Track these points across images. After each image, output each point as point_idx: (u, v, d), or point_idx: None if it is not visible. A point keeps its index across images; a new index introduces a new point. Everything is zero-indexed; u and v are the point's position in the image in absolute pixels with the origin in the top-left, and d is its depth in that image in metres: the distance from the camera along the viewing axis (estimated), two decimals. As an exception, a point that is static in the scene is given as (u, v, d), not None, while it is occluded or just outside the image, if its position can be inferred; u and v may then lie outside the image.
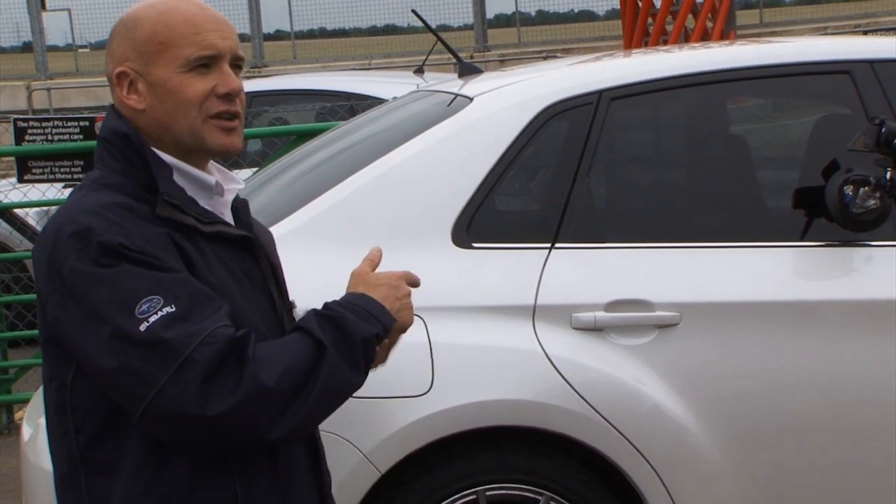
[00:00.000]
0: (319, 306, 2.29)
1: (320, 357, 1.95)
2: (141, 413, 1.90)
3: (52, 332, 1.99)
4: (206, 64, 2.03)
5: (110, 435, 1.97)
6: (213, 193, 2.09)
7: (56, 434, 2.05)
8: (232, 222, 2.12)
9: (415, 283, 2.17)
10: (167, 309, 1.89)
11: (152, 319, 1.88)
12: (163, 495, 1.97)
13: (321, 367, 1.95)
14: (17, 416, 6.55)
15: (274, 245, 2.24)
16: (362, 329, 2.01)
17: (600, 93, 3.37)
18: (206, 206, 2.07)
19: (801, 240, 3.32)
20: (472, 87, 3.62)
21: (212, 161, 2.13)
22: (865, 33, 14.77)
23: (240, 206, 2.16)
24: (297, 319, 2.16)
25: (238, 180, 2.17)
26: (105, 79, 2.14)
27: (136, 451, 1.96)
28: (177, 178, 2.05)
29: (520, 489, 3.16)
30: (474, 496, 3.15)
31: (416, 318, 3.01)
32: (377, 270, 2.17)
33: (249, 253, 2.11)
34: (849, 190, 3.19)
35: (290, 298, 2.24)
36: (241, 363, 1.90)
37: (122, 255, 1.91)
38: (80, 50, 22.62)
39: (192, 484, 1.98)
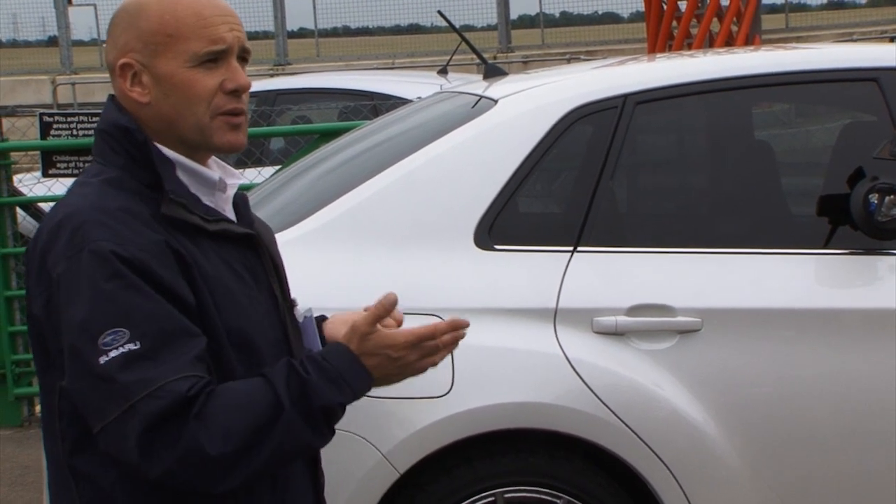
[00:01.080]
0: (340, 306, 2.26)
1: (277, 417, 1.86)
2: (96, 435, 1.87)
3: (38, 330, 1.94)
4: (213, 59, 1.95)
5: (95, 444, 1.91)
6: (216, 190, 2.02)
7: (48, 435, 2.00)
8: (234, 218, 2.05)
9: (431, 335, 1.97)
10: (129, 346, 1.82)
11: (112, 354, 1.81)
12: None
13: (276, 428, 1.86)
14: (38, 408, 6.59)
15: (275, 241, 2.17)
16: (325, 397, 1.88)
17: (625, 97, 3.36)
18: (209, 203, 2.01)
19: (825, 247, 3.31)
20: (496, 89, 3.62)
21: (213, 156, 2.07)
22: (892, 40, 14.69)
23: (240, 202, 2.09)
24: (298, 319, 2.12)
25: (238, 174, 2.10)
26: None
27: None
28: (180, 174, 1.98)
29: (538, 492, 3.16)
30: (492, 498, 3.15)
31: (437, 319, 3.05)
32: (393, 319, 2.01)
33: (253, 250, 2.04)
34: (874, 198, 3.18)
35: (292, 296, 2.17)
36: (183, 424, 1.82)
37: (111, 266, 1.84)
38: (104, 45, 22.65)
39: (185, 495, 1.91)
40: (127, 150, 1.97)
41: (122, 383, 1.81)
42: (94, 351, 1.82)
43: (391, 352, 1.94)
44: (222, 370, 1.92)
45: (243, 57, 2.01)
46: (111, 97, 2.04)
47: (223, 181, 2.03)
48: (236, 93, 1.97)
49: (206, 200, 2.00)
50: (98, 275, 1.84)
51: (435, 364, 2.01)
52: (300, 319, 2.14)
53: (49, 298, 1.89)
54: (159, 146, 1.98)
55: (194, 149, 2.00)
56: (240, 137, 2.00)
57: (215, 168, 2.06)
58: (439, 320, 2.02)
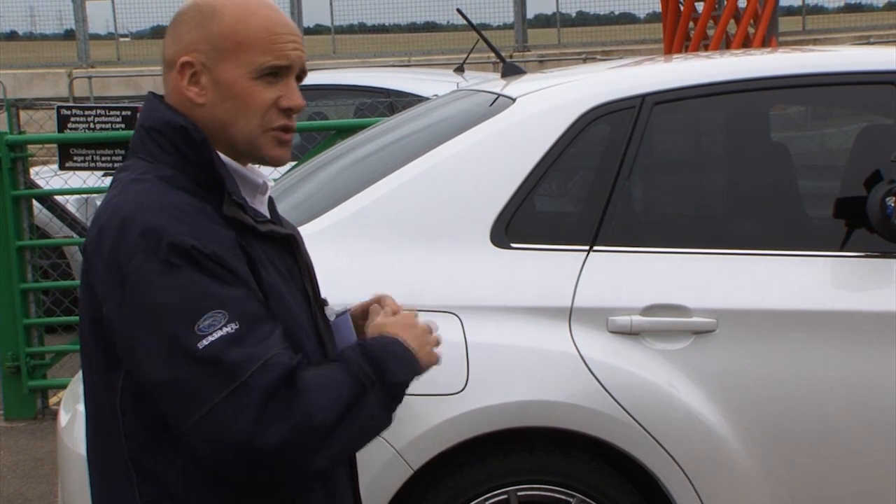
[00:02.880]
0: (355, 302, 2.28)
1: (361, 396, 1.93)
2: (186, 428, 1.85)
3: (106, 328, 1.92)
4: (275, 73, 1.98)
5: (160, 440, 1.92)
6: (258, 193, 2.06)
7: (100, 434, 2.00)
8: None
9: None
10: (229, 327, 1.84)
11: (213, 337, 1.83)
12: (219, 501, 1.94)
13: (361, 407, 1.92)
14: (51, 401, 6.61)
15: (303, 242, 2.19)
16: (397, 374, 1.98)
17: (643, 97, 3.37)
18: (252, 205, 2.04)
19: (841, 250, 3.31)
20: (514, 87, 3.62)
21: None
22: (909, 43, 14.64)
23: (270, 204, 2.13)
24: (329, 317, 2.16)
25: (267, 177, 2.12)
26: (145, 69, 2.07)
27: (187, 457, 1.91)
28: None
29: (551, 490, 3.17)
30: (505, 496, 3.16)
31: (452, 316, 3.07)
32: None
33: (290, 251, 2.08)
34: (891, 201, 3.18)
35: (322, 296, 2.21)
36: (292, 394, 1.86)
37: (192, 259, 1.85)
38: (121, 39, 22.74)
39: (248, 488, 1.94)
40: (178, 149, 1.97)
41: (230, 362, 1.83)
42: (192, 337, 1.83)
43: (421, 326, 2.10)
44: None
45: (299, 76, 2.05)
46: (153, 95, 2.04)
47: (266, 184, 2.07)
48: (289, 111, 2.01)
49: (250, 202, 2.03)
50: (184, 265, 1.85)
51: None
52: (331, 318, 2.17)
53: (123, 295, 1.87)
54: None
55: (240, 155, 2.02)
56: (286, 153, 2.04)
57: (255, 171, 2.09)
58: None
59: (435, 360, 2.12)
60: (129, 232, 1.87)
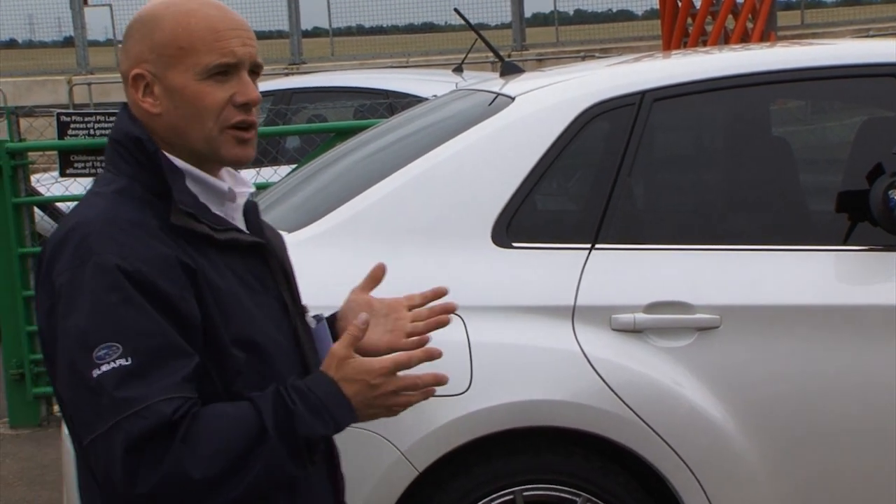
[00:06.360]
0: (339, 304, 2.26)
1: (261, 445, 1.88)
2: (84, 446, 1.88)
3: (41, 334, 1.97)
4: (224, 71, 1.97)
5: None
6: (226, 199, 2.04)
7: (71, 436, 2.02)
8: (244, 227, 2.07)
9: (407, 363, 2.01)
10: (121, 361, 1.83)
11: (104, 369, 1.83)
12: None
13: (260, 455, 1.88)
14: (56, 408, 6.61)
15: (285, 249, 2.17)
16: (308, 427, 1.91)
17: (643, 93, 3.36)
18: (218, 213, 2.02)
19: (844, 244, 3.30)
20: (513, 86, 3.61)
21: None
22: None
23: (250, 209, 2.11)
24: (309, 325, 2.14)
25: (248, 183, 2.11)
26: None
27: None
28: (189, 183, 2.00)
29: (557, 490, 3.16)
30: (511, 496, 3.15)
31: (455, 316, 3.06)
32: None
33: (261, 259, 2.06)
34: (894, 194, 3.17)
35: (303, 303, 2.18)
36: (168, 446, 1.83)
37: (112, 280, 1.86)
38: (120, 45, 22.72)
39: None
40: (137, 160, 1.98)
41: (112, 398, 1.83)
42: (88, 363, 1.84)
43: (368, 378, 1.96)
44: (229, 381, 1.94)
45: (254, 71, 2.03)
46: (124, 106, 2.05)
47: (233, 191, 2.05)
48: (246, 106, 2.00)
49: (215, 210, 2.02)
50: (99, 287, 1.86)
51: (411, 403, 2.03)
52: (312, 325, 2.15)
53: (51, 307, 1.90)
54: (169, 156, 1.99)
55: (203, 160, 2.02)
56: (247, 152, 2.02)
57: (226, 177, 2.07)
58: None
59: (385, 414, 2.01)
60: (66, 247, 1.91)
